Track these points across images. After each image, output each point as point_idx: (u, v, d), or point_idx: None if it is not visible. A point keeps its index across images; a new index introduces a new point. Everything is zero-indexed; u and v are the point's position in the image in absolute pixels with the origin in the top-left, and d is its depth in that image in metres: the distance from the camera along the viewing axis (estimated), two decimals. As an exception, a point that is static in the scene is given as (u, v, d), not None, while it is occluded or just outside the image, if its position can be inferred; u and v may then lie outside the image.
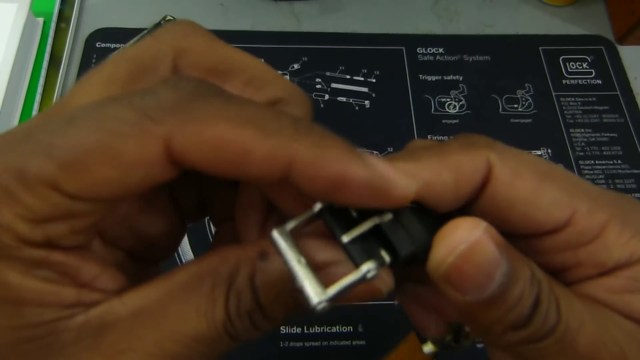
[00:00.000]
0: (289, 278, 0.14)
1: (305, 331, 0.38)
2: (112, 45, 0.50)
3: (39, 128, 0.14)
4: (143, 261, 0.20)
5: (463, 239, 0.14)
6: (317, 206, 0.15)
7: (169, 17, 0.50)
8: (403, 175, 0.14)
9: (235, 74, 0.18)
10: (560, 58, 0.52)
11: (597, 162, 0.47)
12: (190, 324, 0.14)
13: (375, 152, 0.46)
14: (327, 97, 0.49)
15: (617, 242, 0.15)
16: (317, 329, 0.39)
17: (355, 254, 0.14)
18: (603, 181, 0.46)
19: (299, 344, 0.38)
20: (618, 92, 0.50)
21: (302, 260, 0.14)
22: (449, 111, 0.49)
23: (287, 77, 0.49)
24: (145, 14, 0.51)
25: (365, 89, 0.49)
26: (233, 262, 0.15)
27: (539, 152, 0.47)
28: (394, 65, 0.51)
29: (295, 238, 0.15)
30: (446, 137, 0.47)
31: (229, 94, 0.15)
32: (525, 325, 0.14)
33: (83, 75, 0.17)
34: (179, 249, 0.41)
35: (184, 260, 0.41)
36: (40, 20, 0.49)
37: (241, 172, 0.14)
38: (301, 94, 0.19)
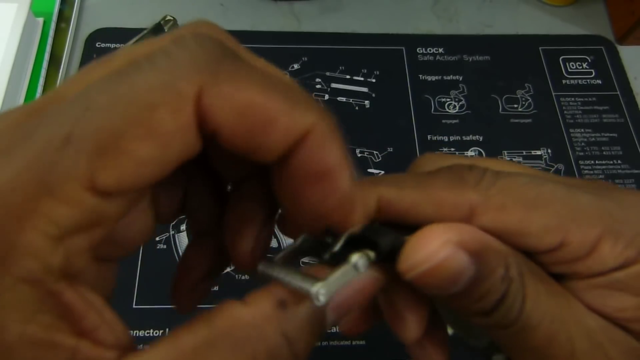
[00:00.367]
0: (316, 315, 0.15)
1: (305, 331, 0.38)
2: (112, 45, 0.50)
3: (47, 119, 0.12)
4: (104, 260, 0.17)
5: (433, 254, 0.15)
6: (299, 239, 0.17)
7: (168, 17, 0.50)
8: (361, 208, 0.16)
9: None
10: (560, 58, 0.52)
11: (597, 162, 0.47)
12: None
13: (375, 152, 0.46)
14: (327, 97, 0.49)
15: (610, 254, 0.16)
16: (317, 329, 0.39)
17: (341, 258, 0.15)
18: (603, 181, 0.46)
19: (299, 344, 0.38)
20: (618, 92, 0.50)
21: (294, 272, 0.15)
22: (449, 111, 0.49)
23: (287, 77, 0.49)
24: (145, 14, 0.51)
25: (365, 89, 0.49)
26: (248, 322, 0.14)
27: (539, 152, 0.47)
28: (394, 65, 0.51)
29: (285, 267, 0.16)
30: (446, 137, 0.47)
31: (251, 56, 0.15)
32: (490, 315, 0.16)
33: (80, 69, 0.15)
34: (177, 246, 0.41)
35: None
36: (40, 20, 0.49)
37: (258, 141, 0.13)
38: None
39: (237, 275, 0.40)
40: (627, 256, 0.16)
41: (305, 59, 0.51)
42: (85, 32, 0.51)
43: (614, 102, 0.50)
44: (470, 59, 0.52)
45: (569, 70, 0.52)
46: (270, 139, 0.13)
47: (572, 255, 0.16)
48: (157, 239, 0.41)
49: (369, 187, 0.17)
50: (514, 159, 0.46)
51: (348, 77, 0.50)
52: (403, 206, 0.17)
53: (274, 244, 0.40)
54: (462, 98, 0.50)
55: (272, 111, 0.13)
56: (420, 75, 0.51)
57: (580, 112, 0.49)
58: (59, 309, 0.12)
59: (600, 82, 0.51)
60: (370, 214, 0.17)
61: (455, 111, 0.49)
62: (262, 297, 0.14)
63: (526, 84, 0.50)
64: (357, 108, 0.48)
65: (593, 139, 0.48)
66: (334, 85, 0.49)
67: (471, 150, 0.47)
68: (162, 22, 0.50)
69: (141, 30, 0.49)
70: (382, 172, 0.45)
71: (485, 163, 0.18)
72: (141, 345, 0.14)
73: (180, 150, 0.12)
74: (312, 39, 0.52)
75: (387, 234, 0.16)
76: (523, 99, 0.50)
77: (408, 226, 0.17)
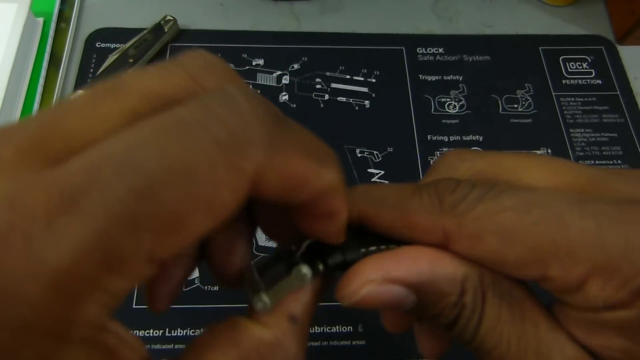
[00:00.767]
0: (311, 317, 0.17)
1: (305, 331, 0.38)
2: (112, 45, 0.50)
3: (97, 184, 0.11)
4: None
5: (354, 291, 0.16)
6: (273, 251, 0.19)
7: (169, 17, 0.50)
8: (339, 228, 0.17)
9: None
10: (560, 58, 0.52)
11: (597, 162, 0.47)
12: None
13: (375, 152, 0.46)
14: (327, 97, 0.49)
15: (599, 294, 0.14)
16: (317, 329, 0.39)
17: (290, 265, 0.17)
18: (603, 181, 0.46)
19: (299, 344, 0.38)
20: (618, 92, 0.50)
21: (260, 278, 0.17)
22: (449, 111, 0.49)
23: (287, 77, 0.50)
24: (145, 14, 0.51)
25: (365, 89, 0.49)
26: (275, 342, 0.16)
27: (539, 152, 0.47)
28: (394, 65, 0.51)
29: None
30: (446, 137, 0.47)
31: (287, 120, 0.15)
32: (448, 330, 0.16)
33: (88, 87, 0.13)
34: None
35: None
36: (40, 20, 0.49)
37: (293, 197, 0.14)
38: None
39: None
40: (619, 298, 0.14)
41: (305, 59, 0.51)
42: (85, 32, 0.51)
43: (614, 102, 0.50)
44: (470, 59, 0.52)
45: (569, 70, 0.52)
46: (301, 196, 0.14)
47: (557, 288, 0.15)
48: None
49: (352, 203, 0.18)
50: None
51: (348, 77, 0.50)
52: (381, 225, 0.17)
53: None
54: (462, 98, 0.50)
55: (307, 174, 0.14)
56: (420, 75, 0.51)
57: (580, 112, 0.49)
58: (105, 351, 0.12)
59: (600, 82, 0.51)
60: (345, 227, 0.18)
61: (455, 111, 0.49)
62: (277, 317, 0.16)
63: (526, 84, 0.50)
64: (357, 108, 0.48)
65: (593, 139, 0.48)
66: (334, 85, 0.49)
67: (471, 150, 0.47)
68: (162, 22, 0.50)
69: (141, 30, 0.49)
70: (382, 172, 0.45)
71: (510, 161, 0.18)
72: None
73: (231, 215, 0.13)
74: (312, 39, 0.52)
75: (338, 251, 0.17)
76: (523, 99, 0.50)
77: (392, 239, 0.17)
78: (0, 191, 0.11)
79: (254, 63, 0.50)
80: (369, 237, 0.18)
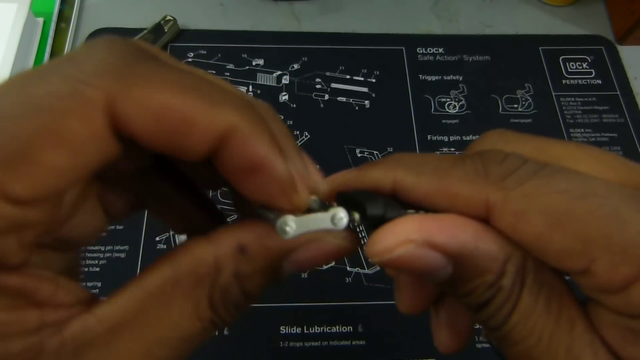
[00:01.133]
0: (274, 260, 0.15)
1: (305, 331, 0.38)
2: (112, 45, 0.50)
3: None
4: (59, 250, 0.18)
5: (389, 249, 0.14)
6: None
7: (168, 17, 0.50)
8: (304, 188, 0.15)
9: None
10: (560, 58, 0.52)
11: (597, 162, 0.47)
12: (176, 328, 0.14)
13: (375, 152, 0.46)
14: (327, 97, 0.49)
15: None
16: (317, 329, 0.39)
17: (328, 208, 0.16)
18: (603, 181, 0.46)
19: (299, 344, 0.38)
20: (618, 92, 0.50)
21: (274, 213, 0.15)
22: (449, 111, 0.49)
23: (287, 77, 0.50)
24: (145, 14, 0.51)
25: (365, 89, 0.49)
26: (211, 261, 0.15)
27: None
28: (394, 65, 0.51)
29: None
30: (446, 137, 0.47)
31: (170, 59, 0.14)
32: (476, 312, 0.15)
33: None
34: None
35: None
36: (40, 20, 0.49)
37: (178, 143, 0.13)
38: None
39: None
40: None
41: (305, 59, 0.51)
42: (85, 32, 0.51)
43: (614, 102, 0.50)
44: (470, 59, 0.52)
45: (569, 70, 0.52)
46: (191, 141, 0.13)
47: (597, 286, 0.14)
48: (157, 238, 0.41)
49: (385, 170, 0.16)
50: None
51: (348, 77, 0.50)
52: (418, 194, 0.16)
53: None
54: (462, 98, 0.50)
55: (189, 113, 0.13)
56: (420, 75, 0.51)
57: (580, 112, 0.49)
58: (9, 292, 0.13)
59: (600, 82, 0.51)
60: (340, 193, 0.17)
61: (455, 111, 0.49)
62: (225, 238, 0.15)
63: (526, 84, 0.50)
64: (357, 108, 0.48)
65: (593, 139, 0.48)
66: (334, 85, 0.49)
67: (471, 150, 0.47)
68: (162, 22, 0.50)
69: (141, 30, 0.49)
70: (382, 172, 0.45)
71: (557, 149, 0.16)
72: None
73: (95, 156, 0.13)
74: (312, 39, 0.52)
75: (385, 201, 0.16)
76: (523, 99, 0.50)
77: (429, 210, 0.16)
78: None
79: (254, 63, 0.50)
80: (406, 203, 0.16)
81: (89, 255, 0.40)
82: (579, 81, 0.51)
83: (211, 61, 0.50)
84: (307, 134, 0.47)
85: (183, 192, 0.19)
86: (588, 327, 0.14)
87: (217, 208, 0.21)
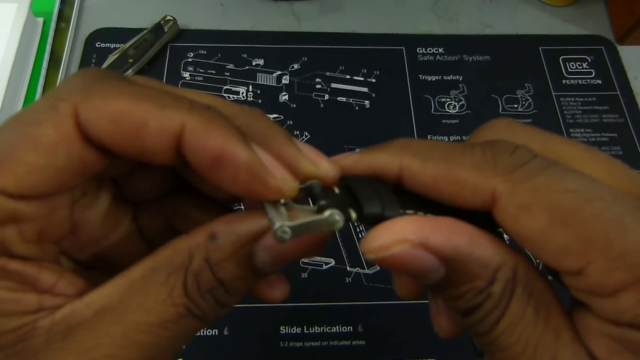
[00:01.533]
0: (242, 245, 0.16)
1: (305, 331, 0.38)
2: (112, 45, 0.50)
3: None
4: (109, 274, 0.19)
5: (384, 247, 0.15)
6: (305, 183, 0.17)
7: (168, 17, 0.50)
8: (283, 170, 0.16)
9: None
10: (560, 58, 0.52)
11: (597, 162, 0.47)
12: (152, 313, 0.15)
13: (375, 152, 0.46)
14: (327, 97, 0.49)
15: (631, 308, 0.13)
16: (317, 329, 0.39)
17: (324, 207, 0.16)
18: (603, 181, 0.46)
19: (299, 344, 0.38)
20: (618, 92, 0.50)
21: (280, 208, 0.16)
22: (449, 111, 0.49)
23: (287, 77, 0.50)
24: (145, 14, 0.51)
25: (365, 89, 0.49)
26: (185, 250, 0.16)
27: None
28: (394, 65, 0.51)
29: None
30: (446, 137, 0.47)
31: (132, 80, 0.16)
32: (463, 316, 0.16)
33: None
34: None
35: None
36: (40, 20, 0.49)
37: (138, 145, 0.15)
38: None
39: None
40: None
41: (305, 59, 0.51)
42: (85, 32, 0.51)
43: (614, 102, 0.50)
44: (470, 59, 0.52)
45: (569, 70, 0.52)
46: (148, 142, 0.15)
47: (588, 288, 0.14)
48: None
49: (392, 154, 0.17)
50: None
51: (348, 77, 0.50)
52: (424, 180, 0.16)
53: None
54: (462, 98, 0.50)
55: (141, 115, 0.15)
56: (420, 75, 0.51)
57: (580, 112, 0.49)
58: (12, 276, 0.15)
59: (600, 82, 0.51)
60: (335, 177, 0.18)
61: (455, 111, 0.49)
62: (199, 230, 0.16)
63: (526, 84, 0.50)
64: (357, 108, 0.48)
65: (593, 139, 0.48)
66: (334, 85, 0.49)
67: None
68: (162, 22, 0.50)
69: (141, 30, 0.49)
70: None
71: (565, 149, 0.16)
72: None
73: (68, 158, 0.15)
74: (312, 39, 0.52)
75: (382, 198, 0.16)
76: (523, 99, 0.50)
77: (431, 201, 0.16)
78: None
79: (254, 63, 0.50)
80: (407, 197, 0.16)
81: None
82: (579, 81, 0.51)
83: (211, 61, 0.50)
84: (307, 134, 0.47)
85: (210, 214, 0.20)
86: (574, 337, 0.14)
87: None
